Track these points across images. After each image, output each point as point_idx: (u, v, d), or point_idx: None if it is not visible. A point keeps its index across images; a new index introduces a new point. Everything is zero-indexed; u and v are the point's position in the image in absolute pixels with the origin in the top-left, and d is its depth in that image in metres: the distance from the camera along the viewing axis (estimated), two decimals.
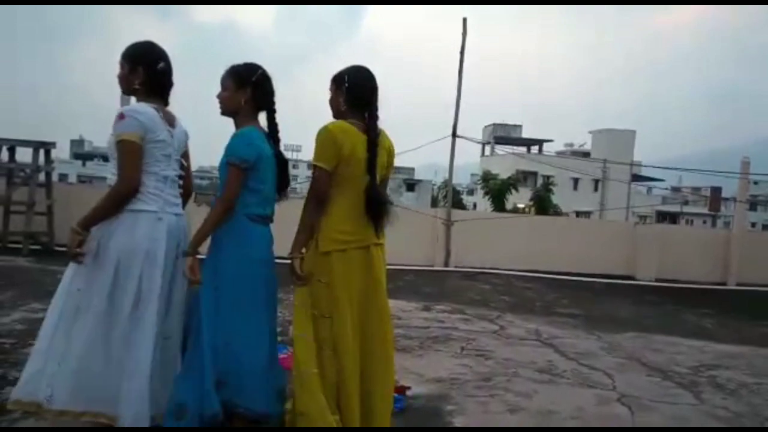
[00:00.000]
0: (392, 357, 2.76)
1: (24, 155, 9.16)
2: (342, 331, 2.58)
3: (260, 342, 2.60)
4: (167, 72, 2.63)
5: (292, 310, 2.74)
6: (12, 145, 8.99)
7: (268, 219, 2.71)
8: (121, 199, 2.44)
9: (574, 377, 4.27)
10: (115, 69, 2.62)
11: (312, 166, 2.62)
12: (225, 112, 2.69)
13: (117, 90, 2.70)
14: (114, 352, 2.43)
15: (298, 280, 2.60)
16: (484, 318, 6.19)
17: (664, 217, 50.34)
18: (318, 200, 2.61)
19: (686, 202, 54.26)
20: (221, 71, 2.70)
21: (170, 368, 2.54)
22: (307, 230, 2.60)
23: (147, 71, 2.56)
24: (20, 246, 8.49)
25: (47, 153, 9.05)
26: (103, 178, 35.27)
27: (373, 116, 2.71)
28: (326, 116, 2.79)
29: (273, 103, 2.74)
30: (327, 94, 2.77)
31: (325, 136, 2.58)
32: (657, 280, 10.56)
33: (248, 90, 2.63)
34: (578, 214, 33.22)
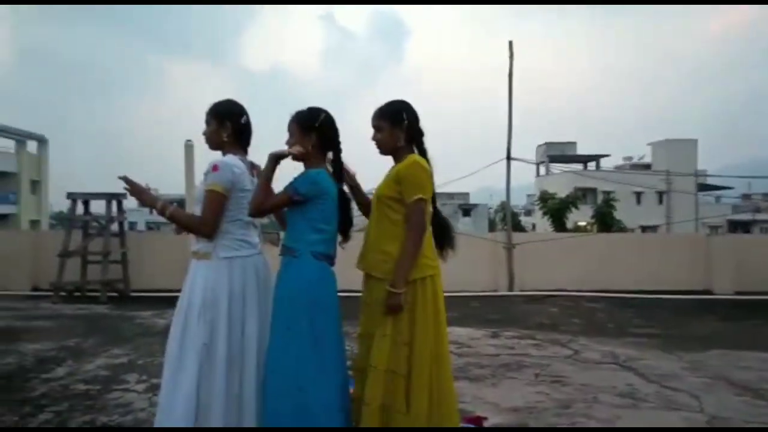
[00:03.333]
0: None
1: (97, 207, 9.66)
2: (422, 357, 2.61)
3: (332, 381, 2.61)
4: (249, 125, 2.83)
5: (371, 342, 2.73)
6: (86, 199, 9.51)
7: (332, 259, 2.74)
8: (192, 232, 2.70)
9: (658, 400, 4.09)
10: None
11: (417, 199, 2.63)
12: (296, 158, 2.77)
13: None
14: (242, 397, 2.61)
15: (398, 311, 2.60)
16: (556, 342, 6.03)
17: (736, 226, 48.00)
18: (423, 232, 2.68)
19: (758, 210, 51.64)
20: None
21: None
22: (414, 262, 2.63)
23: (234, 125, 2.77)
24: (98, 294, 8.89)
25: (119, 204, 9.51)
26: (169, 224, 36.60)
27: (424, 148, 2.82)
28: (374, 151, 2.86)
29: (338, 144, 2.80)
30: (370, 131, 2.83)
31: (424, 169, 2.70)
32: (736, 293, 10.04)
33: (313, 135, 2.71)
34: (644, 228, 32.17)
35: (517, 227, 25.05)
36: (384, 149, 2.82)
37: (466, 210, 54.41)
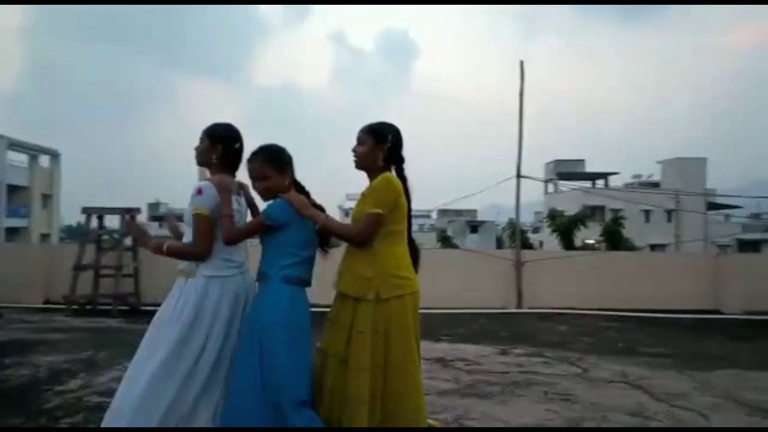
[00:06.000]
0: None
1: (111, 221, 9.80)
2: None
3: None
4: (241, 150, 2.88)
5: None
6: (100, 213, 9.64)
7: (307, 282, 2.79)
8: (191, 259, 2.72)
9: (667, 419, 4.10)
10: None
11: (374, 213, 2.67)
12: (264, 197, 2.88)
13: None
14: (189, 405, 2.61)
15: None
16: (565, 360, 6.04)
17: (745, 245, 47.62)
18: (358, 238, 2.71)
19: None
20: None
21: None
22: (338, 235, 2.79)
23: (224, 149, 2.83)
24: (110, 308, 8.97)
25: (133, 219, 9.61)
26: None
27: (404, 175, 2.86)
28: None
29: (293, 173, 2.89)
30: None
31: (392, 186, 2.72)
32: (745, 313, 10.00)
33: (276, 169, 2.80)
34: (653, 247, 32.05)
35: (525, 245, 25.05)
36: (361, 163, 2.85)
37: (474, 227, 54.44)
